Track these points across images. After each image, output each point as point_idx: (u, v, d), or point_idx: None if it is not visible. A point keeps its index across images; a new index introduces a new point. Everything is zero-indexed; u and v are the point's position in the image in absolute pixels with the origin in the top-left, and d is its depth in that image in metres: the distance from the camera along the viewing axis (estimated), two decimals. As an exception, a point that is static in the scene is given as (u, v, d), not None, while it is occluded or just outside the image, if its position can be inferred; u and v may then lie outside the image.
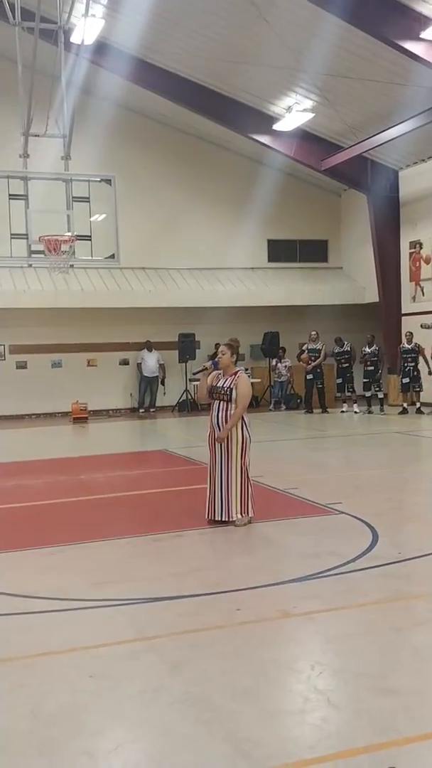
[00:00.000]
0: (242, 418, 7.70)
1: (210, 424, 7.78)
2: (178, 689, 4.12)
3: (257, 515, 7.74)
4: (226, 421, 7.58)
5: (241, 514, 7.61)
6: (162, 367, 21.20)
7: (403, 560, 6.36)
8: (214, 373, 7.80)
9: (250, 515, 7.67)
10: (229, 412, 7.60)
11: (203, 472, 10.74)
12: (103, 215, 13.52)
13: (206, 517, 7.68)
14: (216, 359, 7.75)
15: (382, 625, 4.97)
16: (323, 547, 6.78)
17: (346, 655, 4.54)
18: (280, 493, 9.18)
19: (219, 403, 7.65)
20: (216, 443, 7.66)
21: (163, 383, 21.41)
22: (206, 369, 7.79)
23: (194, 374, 7.81)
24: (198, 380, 8.21)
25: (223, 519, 7.60)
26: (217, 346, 20.03)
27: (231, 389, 7.61)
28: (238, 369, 7.85)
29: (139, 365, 21.26)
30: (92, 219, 13.43)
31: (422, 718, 3.74)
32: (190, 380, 21.11)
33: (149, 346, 21.10)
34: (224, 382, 7.67)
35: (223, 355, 7.72)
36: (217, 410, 7.65)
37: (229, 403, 7.61)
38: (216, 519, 7.62)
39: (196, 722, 3.77)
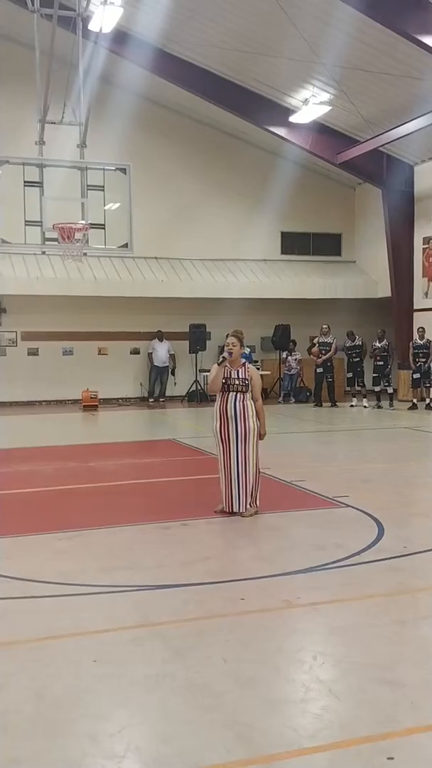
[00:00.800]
0: (253, 407, 7.75)
1: (220, 415, 7.76)
2: (182, 675, 4.16)
3: (264, 506, 7.78)
4: (244, 412, 7.62)
5: (252, 505, 7.65)
6: (172, 357, 21.24)
7: (408, 554, 6.38)
8: (217, 365, 7.86)
9: (257, 507, 7.71)
10: (245, 402, 7.65)
11: (212, 463, 10.80)
12: (117, 204, 13.53)
13: (225, 509, 7.69)
14: (228, 350, 7.76)
15: (386, 618, 4.99)
16: (329, 540, 6.80)
17: (350, 646, 4.57)
18: (288, 485, 9.21)
19: (235, 395, 7.67)
20: (231, 434, 7.66)
21: (173, 373, 21.46)
22: (226, 360, 7.80)
23: (219, 364, 7.82)
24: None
25: (241, 511, 7.62)
26: (226, 337, 20.03)
27: (247, 380, 7.67)
28: (243, 361, 7.89)
29: (149, 355, 21.30)
30: (106, 208, 13.44)
31: (425, 710, 3.76)
32: (201, 371, 21.17)
33: (160, 335, 21.14)
34: (238, 373, 7.70)
35: (235, 346, 7.75)
36: (234, 401, 7.67)
37: (245, 394, 7.66)
38: (234, 511, 7.64)
39: (199, 708, 3.81)
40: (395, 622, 4.93)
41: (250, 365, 7.89)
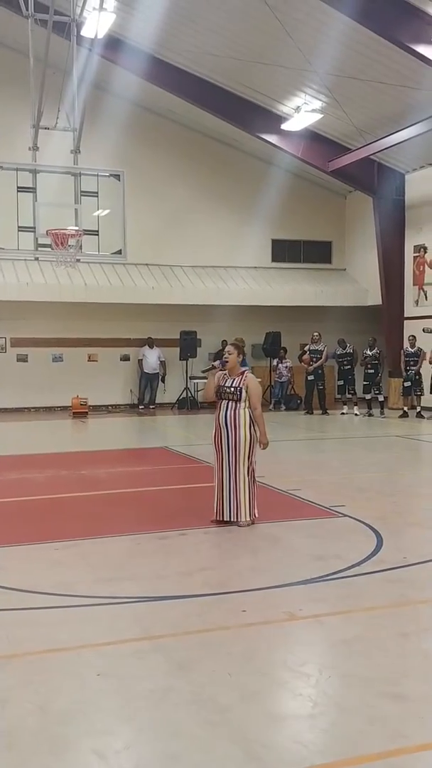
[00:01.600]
0: (249, 417, 7.67)
1: (216, 423, 7.75)
2: (186, 690, 4.10)
3: (261, 516, 7.73)
4: (235, 421, 7.57)
5: (249, 516, 7.59)
6: (163, 364, 21.18)
7: (408, 565, 6.34)
8: (220, 373, 7.78)
9: (253, 516, 7.66)
10: (237, 411, 7.59)
11: (205, 471, 10.77)
12: (107, 211, 13.46)
13: (215, 517, 7.64)
14: (224, 359, 7.72)
15: (389, 630, 4.95)
16: (328, 550, 6.76)
17: (355, 659, 4.52)
18: (283, 494, 9.17)
19: (227, 403, 7.63)
20: (223, 443, 7.63)
21: (163, 380, 21.38)
22: (214, 368, 7.77)
23: (203, 372, 7.79)
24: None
25: (232, 520, 7.58)
26: (224, 343, 20.03)
27: (240, 389, 7.59)
28: (244, 369, 7.84)
29: (140, 362, 21.23)
30: (95, 214, 13.38)
31: (434, 726, 3.72)
32: (191, 378, 21.12)
33: (151, 342, 21.07)
34: (232, 382, 7.65)
35: (230, 355, 7.70)
36: (225, 410, 7.63)
37: (238, 403, 7.59)
38: (225, 520, 7.60)
39: (206, 724, 3.75)
40: (398, 635, 4.89)
41: (249, 373, 7.83)
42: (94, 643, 4.75)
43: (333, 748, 3.54)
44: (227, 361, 7.71)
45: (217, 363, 7.73)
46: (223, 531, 7.49)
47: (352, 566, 6.26)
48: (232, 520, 7.58)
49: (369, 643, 4.75)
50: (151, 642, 4.75)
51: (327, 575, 6.03)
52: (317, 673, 4.34)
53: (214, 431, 7.77)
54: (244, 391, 7.60)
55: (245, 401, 7.64)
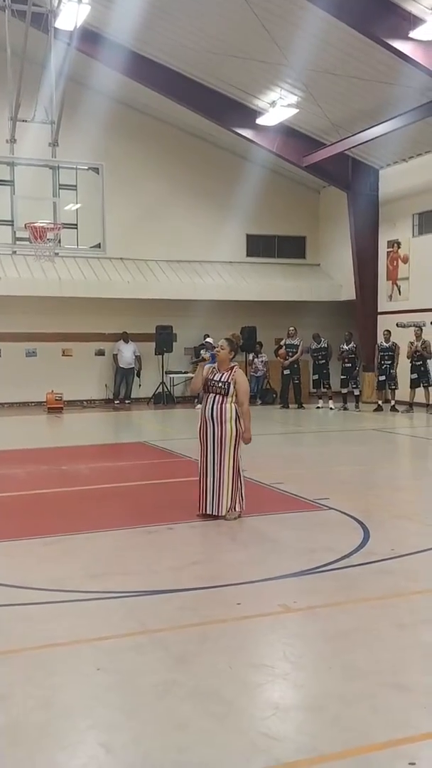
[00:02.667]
0: (236, 411, 7.67)
1: (202, 417, 7.74)
2: (189, 683, 4.09)
3: (247, 509, 7.72)
4: (221, 415, 7.56)
5: (232, 509, 7.59)
6: (138, 358, 21.10)
7: (397, 557, 6.38)
8: (208, 366, 7.76)
9: (240, 510, 7.66)
10: (224, 405, 7.58)
11: (186, 465, 10.80)
12: (78, 204, 13.34)
13: (199, 511, 7.64)
14: (214, 352, 7.71)
15: (385, 622, 4.98)
16: (317, 543, 6.78)
17: (354, 651, 4.54)
18: (267, 488, 9.18)
19: (215, 397, 7.62)
20: (208, 437, 7.62)
21: (138, 375, 21.31)
22: (204, 360, 7.75)
23: (192, 363, 7.80)
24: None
25: (214, 513, 7.57)
26: (205, 337, 19.99)
27: (228, 384, 7.59)
28: (233, 364, 7.82)
29: (115, 356, 21.13)
30: (66, 208, 13.24)
31: (438, 715, 3.75)
32: (167, 373, 21.08)
33: (125, 337, 20.97)
34: (221, 377, 7.64)
35: (222, 349, 7.70)
36: (211, 403, 7.62)
37: (225, 397, 7.59)
38: (207, 513, 7.60)
39: (211, 716, 3.75)
40: (394, 626, 4.92)
41: (238, 369, 7.82)
42: (91, 638, 4.71)
43: (340, 737, 3.55)
44: (216, 355, 7.70)
45: (207, 355, 7.72)
46: (211, 525, 7.48)
47: (342, 558, 6.29)
48: (214, 513, 7.57)
49: (366, 634, 4.78)
50: (148, 636, 4.73)
51: (318, 567, 6.05)
52: (317, 665, 4.35)
53: (199, 424, 7.76)
54: (232, 386, 7.60)
55: (232, 396, 7.63)
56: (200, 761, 3.35)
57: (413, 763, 3.31)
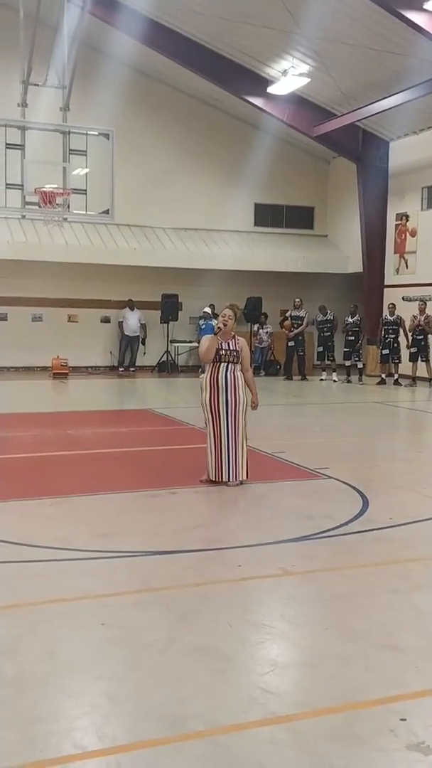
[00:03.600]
0: (242, 379, 7.82)
1: (210, 386, 7.79)
2: (189, 639, 4.23)
3: (249, 476, 7.85)
4: (234, 382, 7.70)
5: (247, 475, 7.73)
6: (143, 326, 21.16)
7: (394, 525, 6.51)
8: (211, 335, 7.90)
9: (245, 477, 7.81)
10: (236, 373, 7.75)
11: (189, 433, 10.94)
12: (87, 170, 13.32)
13: (214, 478, 7.73)
14: (223, 322, 7.84)
15: (381, 586, 5.11)
16: (316, 510, 6.91)
17: (350, 613, 4.68)
18: (269, 457, 9.30)
19: (227, 365, 7.74)
20: (221, 404, 7.72)
21: (143, 343, 21.39)
22: (221, 330, 7.87)
23: (202, 335, 7.96)
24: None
25: (234, 480, 7.69)
26: (212, 307, 19.96)
27: (238, 351, 7.73)
28: (233, 333, 7.95)
29: (120, 324, 21.19)
30: (74, 173, 13.24)
31: (430, 674, 3.88)
32: (172, 342, 21.17)
33: (131, 305, 21.03)
34: (229, 345, 7.77)
35: (230, 320, 7.83)
36: (225, 371, 7.74)
37: (236, 365, 7.75)
38: (224, 480, 7.70)
39: (211, 671, 3.89)
40: (390, 591, 5.05)
41: (239, 337, 7.95)
42: (95, 594, 4.86)
43: (334, 694, 3.69)
44: (226, 325, 7.82)
45: (221, 325, 7.85)
46: (213, 490, 7.62)
47: (341, 525, 6.42)
48: (233, 479, 7.69)
49: (362, 598, 4.91)
50: (151, 594, 4.87)
51: (317, 533, 6.18)
52: (314, 625, 4.50)
53: (208, 393, 7.82)
54: (240, 354, 7.75)
55: (240, 363, 7.79)
56: (199, 712, 3.49)
57: (404, 719, 3.45)
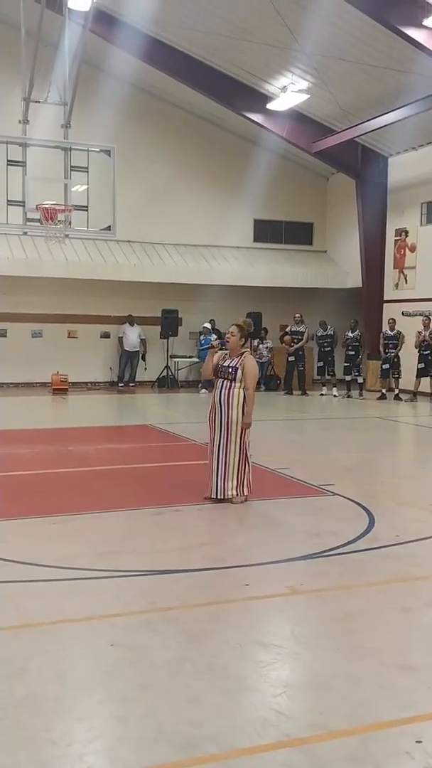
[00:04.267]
0: (243, 397, 7.76)
1: (212, 402, 7.83)
2: (200, 660, 4.19)
3: (253, 494, 7.81)
4: (228, 400, 7.65)
5: (236, 491, 7.68)
6: (143, 342, 21.15)
7: (402, 543, 6.48)
8: (221, 352, 7.85)
9: (247, 494, 7.75)
10: (232, 391, 7.67)
11: (191, 449, 10.93)
12: (85, 186, 13.34)
13: (210, 495, 7.71)
14: (225, 339, 7.81)
15: (391, 605, 5.08)
16: (323, 527, 6.88)
17: (360, 632, 4.65)
18: (273, 473, 9.27)
19: (223, 382, 7.71)
20: (216, 421, 7.71)
21: (143, 358, 21.36)
22: (213, 347, 7.84)
23: (201, 350, 7.89)
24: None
25: (220, 497, 7.66)
26: (212, 322, 20.06)
27: (236, 369, 7.67)
28: (244, 351, 7.90)
29: (120, 339, 21.18)
30: (73, 189, 13.24)
31: (444, 695, 3.85)
32: (172, 357, 21.16)
33: (131, 320, 21.01)
34: (230, 362, 7.72)
35: (233, 336, 7.77)
36: (220, 388, 7.71)
37: (233, 383, 7.67)
38: (213, 497, 7.68)
39: (223, 692, 3.85)
40: (400, 610, 5.03)
41: (248, 355, 7.90)
42: (103, 614, 4.82)
43: (347, 714, 3.65)
44: (228, 341, 7.79)
45: (217, 342, 7.81)
46: (217, 508, 7.58)
47: (348, 543, 6.38)
48: (219, 497, 7.66)
49: (372, 617, 4.88)
50: (160, 614, 4.83)
51: (324, 551, 6.15)
52: (326, 645, 4.45)
53: (210, 409, 7.84)
54: (239, 371, 7.68)
55: (240, 381, 7.72)
56: (213, 735, 3.45)
57: (420, 741, 3.41)
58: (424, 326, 18.15)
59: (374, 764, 3.26)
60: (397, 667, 4.14)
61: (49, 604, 4.99)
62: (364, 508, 7.57)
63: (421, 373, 18.12)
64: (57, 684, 3.90)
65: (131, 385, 21.09)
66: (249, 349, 8.11)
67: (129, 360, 21.22)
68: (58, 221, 11.86)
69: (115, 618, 4.77)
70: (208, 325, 20.24)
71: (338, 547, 6.26)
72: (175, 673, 4.03)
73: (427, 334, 18.00)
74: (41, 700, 3.74)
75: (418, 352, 18.09)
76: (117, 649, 4.31)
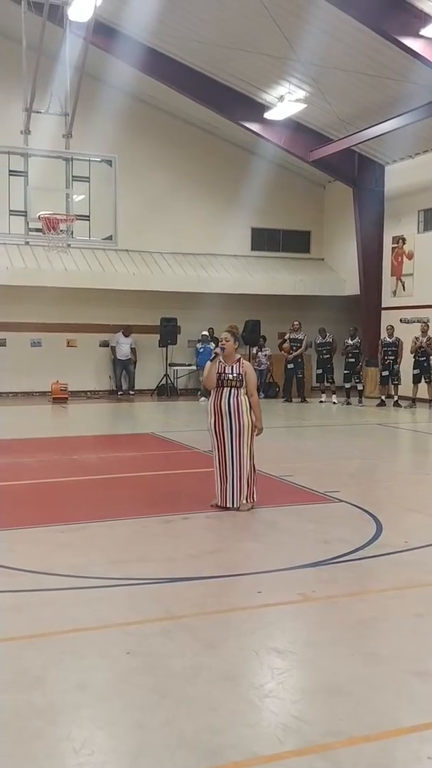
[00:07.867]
0: (248, 403, 7.79)
1: (214, 411, 7.79)
2: (218, 668, 4.20)
3: (259, 501, 7.83)
4: (238, 408, 7.66)
5: (248, 500, 7.71)
6: (133, 351, 21.13)
7: (410, 549, 6.49)
8: (216, 360, 7.87)
9: (253, 501, 7.78)
10: (239, 398, 7.70)
11: (194, 456, 10.94)
12: (83, 196, 13.38)
13: (219, 503, 7.73)
14: (221, 346, 7.81)
15: (403, 611, 5.10)
16: (331, 534, 6.90)
17: (375, 638, 4.66)
18: (277, 480, 9.29)
19: (230, 390, 7.71)
20: (225, 430, 7.71)
21: (134, 366, 21.35)
22: (217, 356, 7.85)
23: (212, 360, 7.87)
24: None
25: (234, 506, 7.68)
26: (211, 330, 20.08)
27: (241, 376, 7.71)
28: (238, 356, 7.92)
29: (113, 348, 21.22)
30: (74, 199, 13.29)
31: (463, 701, 3.87)
32: (171, 365, 21.19)
33: (126, 332, 21.01)
34: (232, 369, 7.74)
35: (228, 342, 7.78)
36: (228, 396, 7.72)
37: (239, 389, 7.70)
38: (227, 506, 7.69)
39: (242, 700, 3.86)
40: (413, 616, 5.04)
41: (244, 360, 7.94)
42: (117, 622, 4.83)
43: (367, 720, 3.66)
44: (224, 348, 7.80)
45: (219, 350, 7.82)
46: (225, 515, 7.60)
47: (357, 549, 6.40)
48: (233, 506, 7.68)
49: (386, 623, 4.90)
50: (174, 622, 4.84)
51: (334, 558, 6.16)
52: (342, 652, 4.46)
53: (213, 419, 7.83)
54: (244, 378, 7.72)
55: (244, 388, 7.76)
56: (235, 742, 3.46)
57: (441, 747, 3.43)
58: (422, 332, 18.21)
59: (397, 770, 3.27)
60: (413, 673, 4.15)
61: (62, 613, 5.00)
62: (370, 514, 7.59)
63: (416, 379, 18.19)
64: (76, 692, 3.91)
65: (131, 393, 21.11)
66: (241, 355, 8.12)
67: (124, 368, 21.27)
68: (60, 231, 11.88)
69: (129, 626, 4.77)
70: (206, 333, 20.30)
71: (347, 554, 6.27)
72: (193, 681, 4.04)
73: (424, 340, 18.06)
74: (61, 708, 3.75)
75: (414, 357, 18.16)
76: (133, 657, 4.32)
